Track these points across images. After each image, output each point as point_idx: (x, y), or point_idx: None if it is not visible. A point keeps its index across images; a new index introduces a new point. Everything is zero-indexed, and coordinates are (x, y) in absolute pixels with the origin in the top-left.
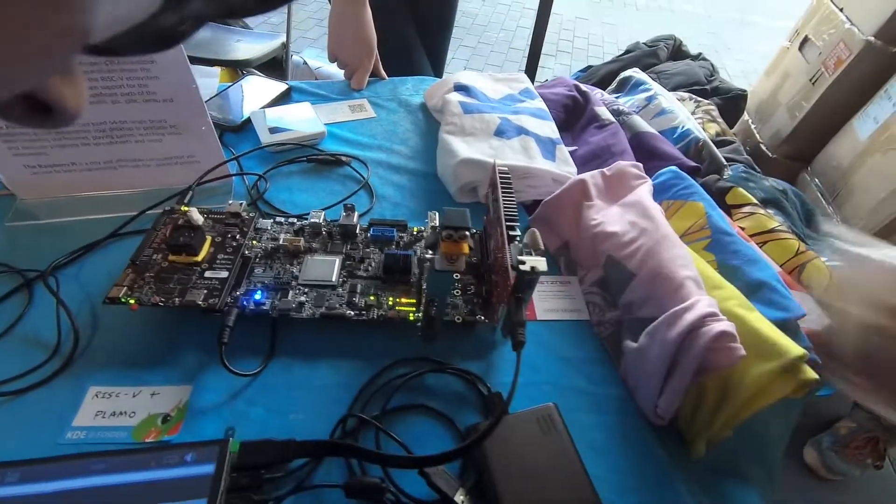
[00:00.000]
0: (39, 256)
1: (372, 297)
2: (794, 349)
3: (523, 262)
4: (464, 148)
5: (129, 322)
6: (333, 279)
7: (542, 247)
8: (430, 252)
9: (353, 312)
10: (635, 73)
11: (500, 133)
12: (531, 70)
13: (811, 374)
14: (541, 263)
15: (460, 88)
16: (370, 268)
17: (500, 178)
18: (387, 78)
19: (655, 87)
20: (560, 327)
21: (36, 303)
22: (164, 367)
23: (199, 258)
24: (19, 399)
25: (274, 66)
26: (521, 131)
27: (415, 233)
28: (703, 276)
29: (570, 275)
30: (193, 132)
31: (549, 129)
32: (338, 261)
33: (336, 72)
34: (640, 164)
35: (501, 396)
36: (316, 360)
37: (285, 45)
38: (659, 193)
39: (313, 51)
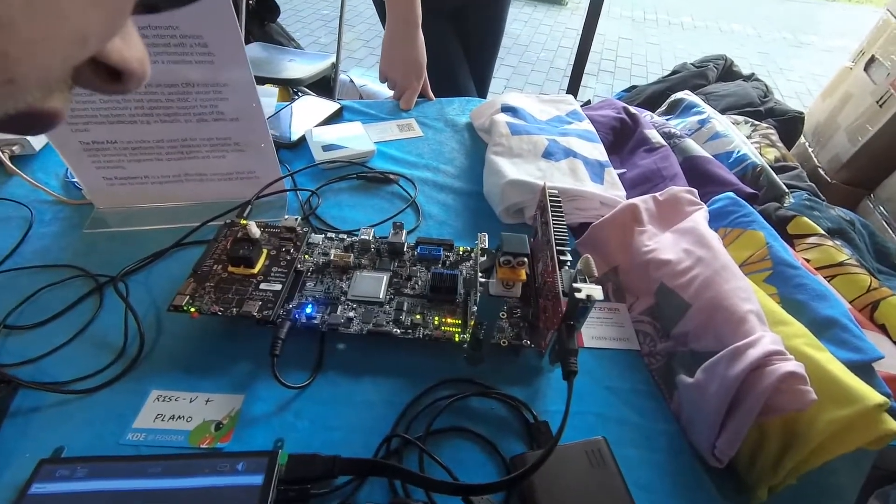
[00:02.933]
0: (111, 262)
1: (418, 316)
2: (874, 396)
3: (579, 290)
4: (511, 169)
5: (189, 329)
6: (381, 296)
7: (597, 274)
8: (485, 276)
9: (399, 330)
10: (687, 95)
11: (547, 155)
12: (573, 89)
13: (893, 424)
14: (596, 292)
15: (508, 109)
16: (416, 286)
17: (551, 201)
18: (434, 98)
19: (709, 110)
20: (607, 356)
21: (106, 306)
22: (219, 375)
23: (256, 270)
24: (87, 398)
25: (322, 84)
26: (569, 153)
27: (461, 252)
28: (765, 311)
29: (618, 301)
30: (254, 149)
31: (598, 152)
32: (385, 278)
33: (380, 90)
34: (695, 190)
35: (548, 425)
36: (360, 376)
37: (335, 65)
38: (715, 220)
39: (359, 70)
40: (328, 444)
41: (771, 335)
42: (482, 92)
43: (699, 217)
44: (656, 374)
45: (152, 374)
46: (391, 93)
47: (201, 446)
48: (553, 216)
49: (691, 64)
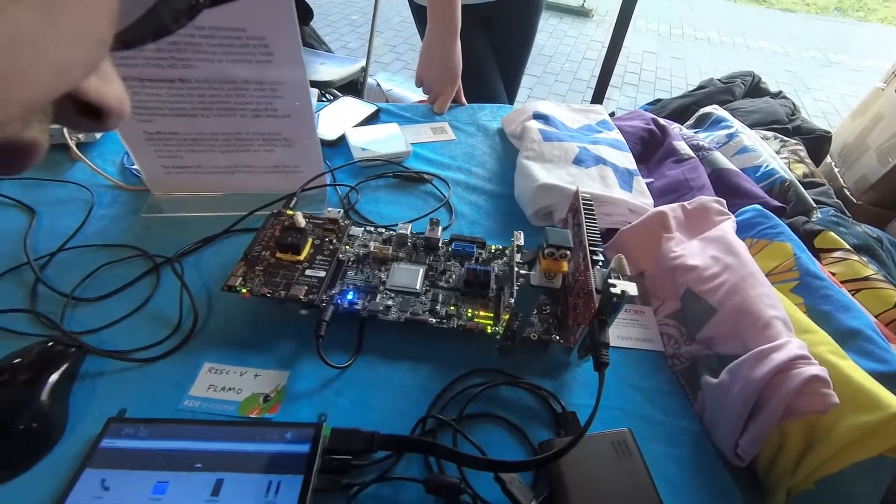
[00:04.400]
0: (165, 245)
1: (452, 307)
2: None
3: (614, 286)
4: (543, 174)
5: (237, 308)
6: (418, 287)
7: (629, 273)
8: (526, 268)
9: (435, 320)
10: (715, 109)
11: (578, 161)
12: (597, 101)
13: None
14: (631, 288)
15: (539, 117)
16: (450, 280)
17: (584, 204)
18: (466, 104)
19: (737, 125)
20: (633, 356)
21: (162, 285)
22: (265, 352)
23: (302, 257)
24: (148, 367)
25: (351, 87)
26: (600, 160)
27: (492, 251)
28: (791, 319)
29: (644, 304)
30: (301, 145)
31: (627, 160)
32: (422, 270)
33: (405, 94)
34: (723, 200)
35: (576, 415)
36: (397, 361)
37: (364, 69)
38: (742, 231)
39: (385, 74)
40: (367, 423)
41: (797, 340)
42: (511, 98)
43: (727, 226)
44: (680, 375)
45: (205, 349)
46: (416, 97)
47: (251, 416)
48: (586, 218)
49: (718, 79)
